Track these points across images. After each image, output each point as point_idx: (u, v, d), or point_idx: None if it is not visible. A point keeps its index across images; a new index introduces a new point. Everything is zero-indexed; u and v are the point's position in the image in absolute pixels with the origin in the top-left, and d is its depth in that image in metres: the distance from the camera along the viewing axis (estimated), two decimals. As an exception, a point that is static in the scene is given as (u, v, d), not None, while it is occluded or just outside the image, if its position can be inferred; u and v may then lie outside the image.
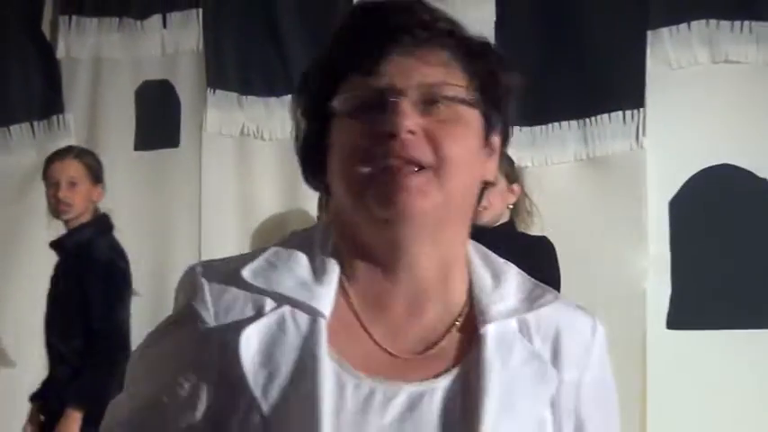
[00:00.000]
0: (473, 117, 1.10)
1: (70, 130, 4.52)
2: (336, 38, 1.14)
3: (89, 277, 3.76)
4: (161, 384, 1.13)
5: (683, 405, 3.87)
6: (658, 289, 3.96)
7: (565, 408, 1.13)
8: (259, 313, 1.10)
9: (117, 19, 4.51)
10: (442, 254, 1.13)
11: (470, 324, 1.13)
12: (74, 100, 4.56)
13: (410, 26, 1.08)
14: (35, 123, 4.57)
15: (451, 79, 1.09)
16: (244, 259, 1.15)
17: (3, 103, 4.59)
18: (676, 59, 4.01)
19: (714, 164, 3.95)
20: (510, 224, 3.79)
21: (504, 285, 1.16)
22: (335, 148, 1.11)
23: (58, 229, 3.90)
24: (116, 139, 4.46)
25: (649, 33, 3.99)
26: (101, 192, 3.93)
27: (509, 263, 1.20)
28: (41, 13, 4.60)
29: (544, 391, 1.12)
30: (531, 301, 1.15)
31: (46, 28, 4.62)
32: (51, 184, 3.88)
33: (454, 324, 1.14)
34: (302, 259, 1.15)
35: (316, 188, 1.17)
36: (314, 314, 1.10)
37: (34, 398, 3.62)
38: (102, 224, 3.90)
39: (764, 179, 3.89)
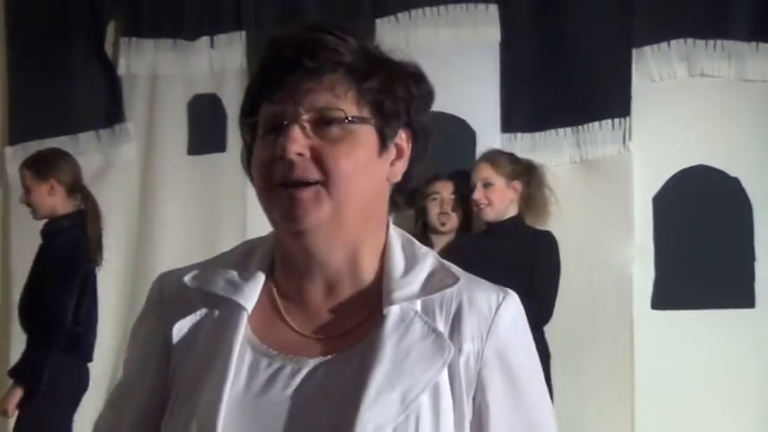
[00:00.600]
0: (364, 132, 1.14)
1: (131, 137, 4.63)
2: (256, 67, 1.19)
3: (48, 264, 3.85)
4: (130, 366, 1.26)
5: (666, 374, 4.06)
6: (643, 274, 4.16)
7: (464, 373, 1.16)
8: (192, 309, 1.19)
9: (171, 40, 4.61)
10: (351, 249, 1.18)
11: (380, 306, 1.17)
12: (133, 111, 4.64)
13: (300, 58, 1.11)
14: (100, 131, 4.66)
15: (337, 103, 1.12)
16: (197, 265, 1.25)
17: (72, 113, 4.66)
18: (658, 74, 4.21)
19: (692, 165, 4.17)
20: (517, 218, 3.95)
21: (414, 272, 1.19)
22: (252, 165, 1.17)
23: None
24: (171, 145, 4.58)
25: (634, 51, 4.19)
26: (53, 185, 3.96)
27: (431, 251, 1.24)
28: (105, 35, 4.68)
29: (438, 360, 1.14)
30: (431, 287, 1.19)
31: (109, 48, 4.69)
32: None
33: (366, 307, 1.18)
34: (238, 263, 1.22)
35: None
36: (237, 308, 1.18)
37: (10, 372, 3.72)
38: (73, 219, 3.98)
39: (735, 178, 4.11)
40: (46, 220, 3.93)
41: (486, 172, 3.93)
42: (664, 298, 4.15)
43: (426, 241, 3.54)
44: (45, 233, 3.91)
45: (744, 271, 4.09)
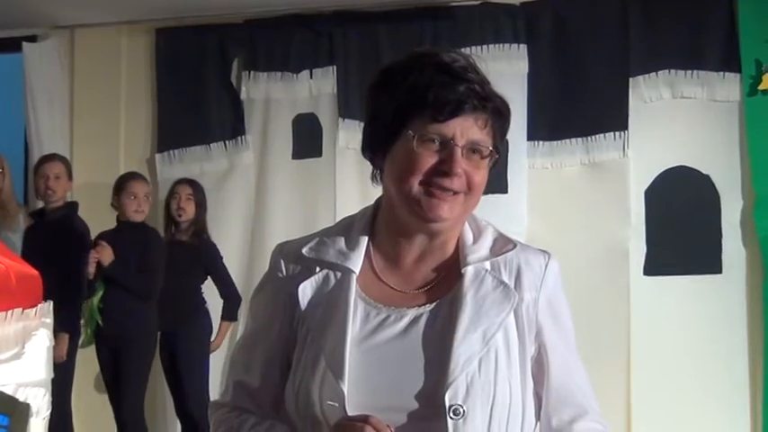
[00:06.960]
0: (490, 159, 1.26)
1: (249, 146, 5.05)
2: (413, 84, 1.23)
3: (69, 240, 4.19)
4: (257, 322, 1.37)
5: (656, 323, 4.53)
6: (637, 249, 4.60)
7: (526, 317, 1.27)
8: (311, 273, 1.30)
9: (280, 73, 5.06)
10: (453, 230, 1.30)
11: (458, 268, 1.28)
12: (252, 126, 5.07)
13: (471, 97, 1.22)
14: (227, 142, 5.09)
15: (486, 139, 1.24)
16: (309, 238, 1.34)
17: (205, 128, 5.10)
18: (649, 97, 4.62)
19: (674, 165, 4.61)
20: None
21: (481, 240, 1.31)
22: (397, 157, 1.24)
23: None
24: (279, 152, 5.01)
25: (630, 79, 4.63)
26: (71, 185, 4.45)
27: (490, 224, 1.35)
28: (231, 70, 5.16)
29: (507, 305, 1.25)
30: (496, 251, 1.30)
31: (234, 79, 5.15)
32: (41, 177, 4.35)
33: (445, 268, 1.30)
34: (343, 234, 1.32)
35: (370, 161, 1.31)
36: (347, 272, 1.29)
37: None
38: (74, 206, 4.43)
39: (707, 175, 4.58)
40: (49, 207, 4.42)
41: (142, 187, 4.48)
42: (652, 267, 4.57)
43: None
44: (51, 217, 4.34)
45: (713, 245, 4.51)
